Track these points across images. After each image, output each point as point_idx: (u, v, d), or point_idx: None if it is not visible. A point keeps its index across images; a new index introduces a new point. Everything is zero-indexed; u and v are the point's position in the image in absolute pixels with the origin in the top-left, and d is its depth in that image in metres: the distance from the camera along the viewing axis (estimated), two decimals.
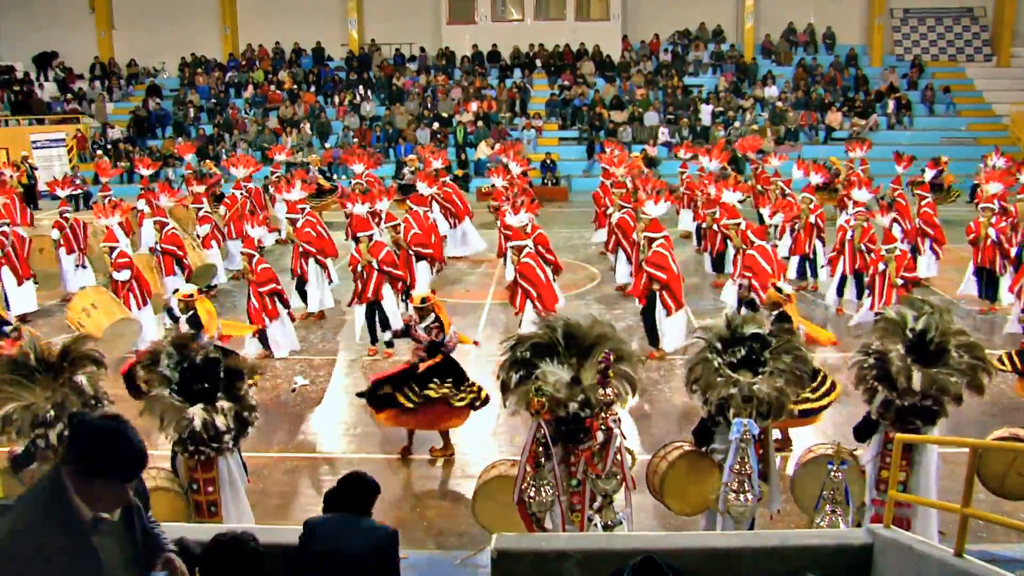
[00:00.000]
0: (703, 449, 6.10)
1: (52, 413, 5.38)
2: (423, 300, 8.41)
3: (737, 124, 27.03)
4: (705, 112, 27.97)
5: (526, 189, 17.19)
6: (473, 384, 8.26)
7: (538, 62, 31.07)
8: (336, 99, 29.73)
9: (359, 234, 11.71)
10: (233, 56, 32.00)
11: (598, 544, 4.95)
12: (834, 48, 30.77)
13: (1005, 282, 12.45)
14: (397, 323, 11.04)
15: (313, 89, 30.40)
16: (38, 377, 5.52)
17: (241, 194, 17.28)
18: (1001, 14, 29.56)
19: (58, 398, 5.41)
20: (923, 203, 14.49)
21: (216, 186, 18.64)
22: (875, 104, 27.97)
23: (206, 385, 5.65)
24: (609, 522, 5.55)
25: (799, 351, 5.92)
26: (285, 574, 4.26)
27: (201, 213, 15.61)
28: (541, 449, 5.45)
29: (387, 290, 11.44)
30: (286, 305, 11.33)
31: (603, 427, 5.43)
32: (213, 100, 29.97)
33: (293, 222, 13.60)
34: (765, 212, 14.37)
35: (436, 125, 27.62)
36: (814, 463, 6.22)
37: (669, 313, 10.84)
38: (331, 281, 13.49)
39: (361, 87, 30.11)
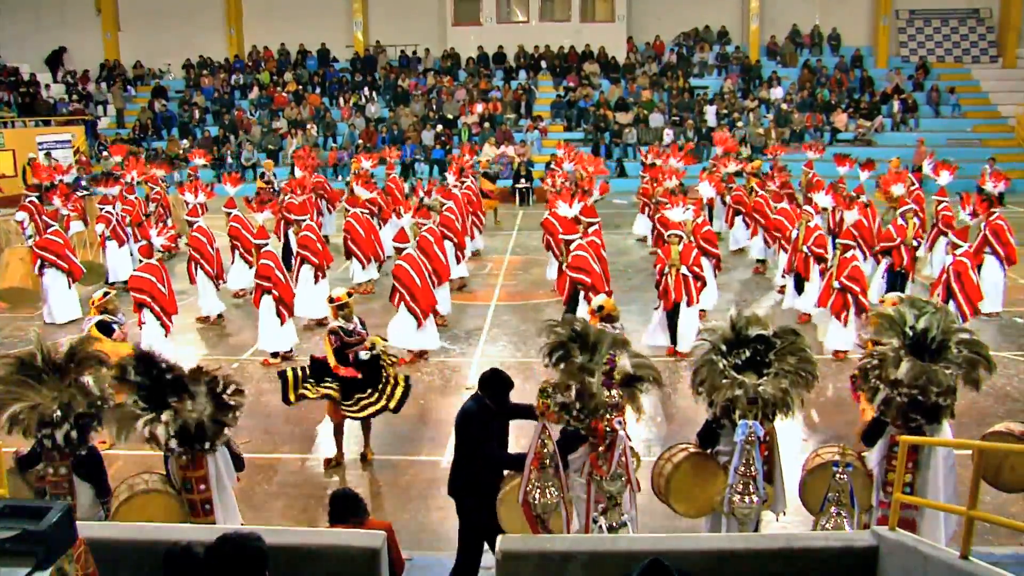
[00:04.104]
0: (708, 451, 6.10)
1: (59, 413, 5.40)
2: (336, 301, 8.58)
3: (741, 125, 27.02)
4: (710, 113, 27.98)
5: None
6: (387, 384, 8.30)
7: (543, 63, 31.09)
8: (341, 101, 29.79)
9: (256, 241, 12.06)
10: (238, 58, 32.07)
11: (603, 546, 4.95)
12: (839, 49, 30.73)
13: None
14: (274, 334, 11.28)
15: (318, 91, 30.46)
16: (45, 378, 5.55)
17: (137, 198, 16.87)
18: (1007, 15, 29.50)
19: (65, 398, 5.43)
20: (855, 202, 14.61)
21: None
22: (880, 105, 27.93)
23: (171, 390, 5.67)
24: (614, 524, 5.54)
25: (804, 352, 5.91)
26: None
27: (102, 212, 15.51)
28: (546, 450, 5.46)
29: (266, 300, 11.34)
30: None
31: (608, 429, 5.43)
32: (218, 102, 30.04)
33: (191, 224, 13.89)
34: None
35: (441, 127, 27.65)
36: (822, 468, 6.19)
37: None
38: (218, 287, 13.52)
39: (366, 89, 30.17)
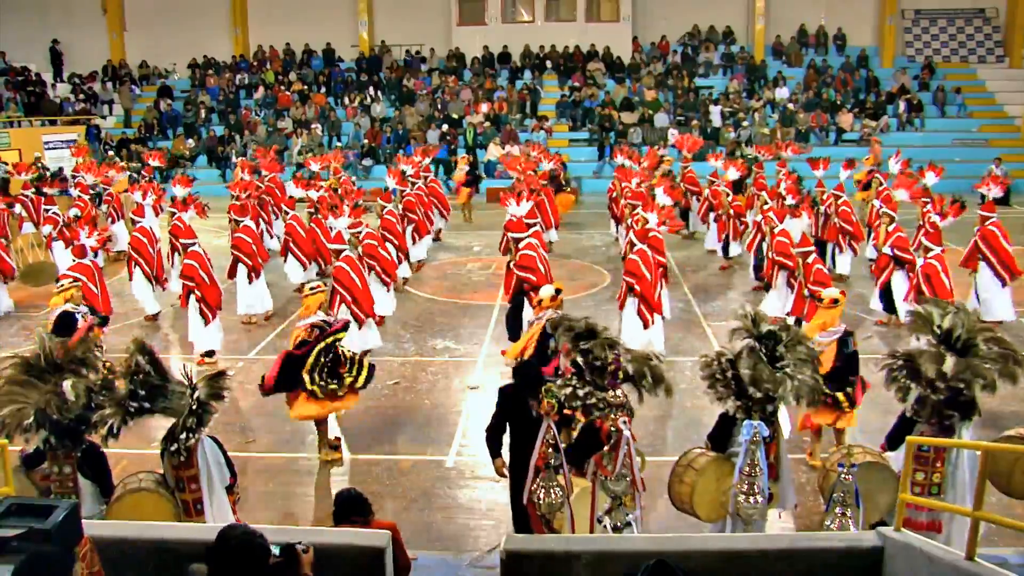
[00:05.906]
0: (724, 453, 6.08)
1: (30, 420, 5.38)
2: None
3: (747, 125, 26.98)
4: (715, 113, 27.92)
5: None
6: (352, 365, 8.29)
7: (548, 63, 31.07)
8: (346, 100, 29.81)
9: (182, 240, 12.26)
10: (243, 57, 32.11)
11: (607, 546, 4.95)
12: (845, 49, 30.66)
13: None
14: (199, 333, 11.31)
15: (323, 90, 30.47)
16: (47, 378, 5.54)
17: (91, 199, 16.93)
18: (1013, 15, 29.39)
19: (41, 404, 5.40)
20: (840, 201, 14.57)
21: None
22: (886, 105, 27.87)
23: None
24: (619, 523, 5.54)
25: (807, 338, 6.13)
26: None
27: (49, 213, 15.70)
28: (551, 451, 5.46)
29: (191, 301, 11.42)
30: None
31: (613, 428, 5.43)
32: (223, 101, 30.06)
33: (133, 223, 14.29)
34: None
35: (446, 126, 27.66)
36: (864, 468, 6.16)
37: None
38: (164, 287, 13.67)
39: (371, 88, 30.18)
